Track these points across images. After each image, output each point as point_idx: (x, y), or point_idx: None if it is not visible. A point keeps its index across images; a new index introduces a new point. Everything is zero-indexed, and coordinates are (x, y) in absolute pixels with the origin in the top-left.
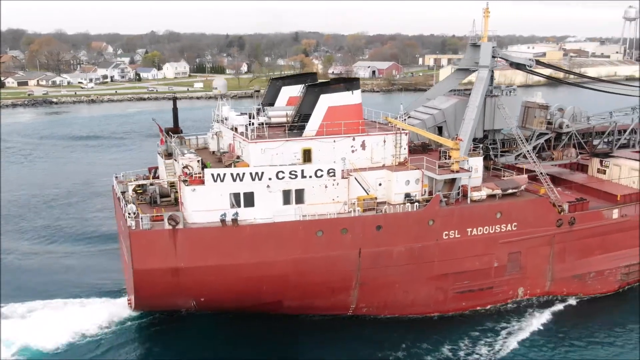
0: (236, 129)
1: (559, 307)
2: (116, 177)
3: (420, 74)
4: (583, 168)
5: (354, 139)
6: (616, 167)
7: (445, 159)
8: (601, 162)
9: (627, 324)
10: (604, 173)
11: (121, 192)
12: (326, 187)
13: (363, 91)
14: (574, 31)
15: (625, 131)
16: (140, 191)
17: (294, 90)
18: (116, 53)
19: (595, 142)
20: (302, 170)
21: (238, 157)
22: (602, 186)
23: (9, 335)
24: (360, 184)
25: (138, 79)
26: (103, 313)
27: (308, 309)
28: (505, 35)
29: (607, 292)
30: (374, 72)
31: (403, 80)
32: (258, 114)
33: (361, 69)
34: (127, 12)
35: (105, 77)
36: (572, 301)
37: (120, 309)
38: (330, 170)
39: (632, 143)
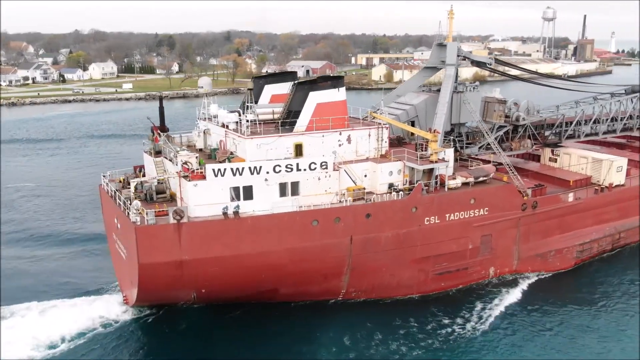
0: (227, 125)
1: (526, 283)
2: (104, 176)
3: (354, 73)
4: (534, 158)
5: (340, 134)
6: (566, 156)
7: (422, 150)
8: (552, 151)
9: (584, 295)
10: (555, 161)
11: (115, 190)
12: (319, 179)
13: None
14: (497, 30)
15: (571, 123)
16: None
17: (276, 89)
18: (37, 53)
19: (547, 133)
20: (297, 164)
21: (232, 153)
22: (555, 173)
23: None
24: (349, 176)
25: (62, 80)
26: (95, 312)
27: (302, 295)
28: (434, 35)
29: (565, 268)
30: (308, 71)
31: None
32: (245, 111)
33: (295, 68)
34: (49, 10)
35: (26, 78)
36: (536, 277)
37: (111, 306)
38: (323, 163)
39: (577, 134)
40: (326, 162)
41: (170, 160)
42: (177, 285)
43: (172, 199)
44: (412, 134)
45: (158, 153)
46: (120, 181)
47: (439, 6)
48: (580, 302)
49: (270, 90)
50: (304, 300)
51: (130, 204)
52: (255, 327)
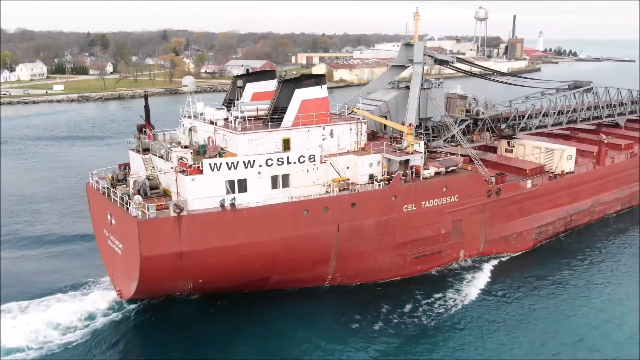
0: (216, 122)
1: (492, 263)
2: (92, 175)
3: (294, 72)
4: (491, 149)
5: (324, 129)
6: (521, 147)
7: (396, 143)
8: (508, 143)
9: (543, 272)
10: (511, 152)
11: (107, 188)
12: (308, 171)
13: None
14: (433, 30)
15: (523, 116)
16: (123, 185)
17: (257, 87)
18: None
19: (502, 126)
20: (288, 157)
21: (222, 149)
22: (512, 163)
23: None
24: (334, 168)
25: None
26: (84, 308)
27: (291, 282)
28: (372, 34)
29: (525, 249)
30: (247, 70)
31: None
32: (231, 108)
33: (235, 68)
34: None
35: None
36: (501, 258)
37: (101, 302)
38: (311, 156)
39: (529, 126)
40: (314, 155)
41: (161, 157)
42: (176, 276)
43: (165, 194)
44: (385, 128)
45: (146, 150)
46: (110, 179)
47: (377, 6)
48: (540, 278)
49: (251, 88)
50: (293, 287)
51: (130, 200)
52: (246, 315)
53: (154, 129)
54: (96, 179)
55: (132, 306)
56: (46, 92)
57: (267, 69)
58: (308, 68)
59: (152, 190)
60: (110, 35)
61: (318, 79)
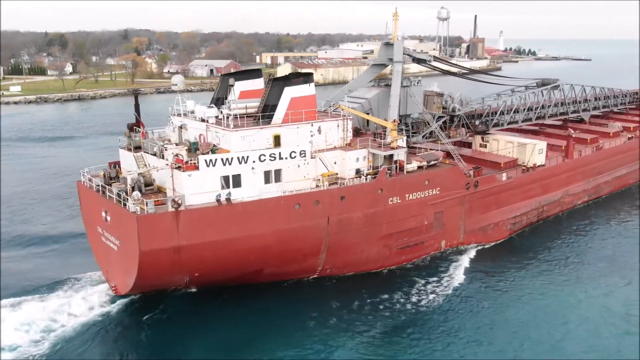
0: (207, 120)
1: (472, 253)
2: (83, 173)
3: None
4: (465, 145)
5: (312, 125)
6: (495, 142)
7: (380, 139)
8: (482, 138)
9: (518, 260)
10: (485, 147)
11: (102, 185)
12: (299, 166)
13: (202, 90)
14: (398, 30)
15: (496, 113)
16: (114, 181)
17: (244, 85)
18: None
19: (477, 122)
20: (280, 153)
21: (215, 146)
22: (486, 157)
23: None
24: (323, 163)
25: None
26: (79, 304)
27: (283, 275)
28: (336, 34)
29: (501, 239)
30: (212, 70)
31: None
32: (221, 106)
33: (198, 68)
34: None
35: None
36: (479, 248)
37: (94, 298)
38: (302, 152)
39: (501, 122)
40: (305, 151)
41: (154, 154)
42: (174, 270)
43: (159, 190)
44: (368, 124)
45: (137, 148)
46: (102, 176)
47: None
48: (517, 265)
49: (239, 87)
50: (284, 279)
51: (127, 196)
52: (239, 306)
53: (144, 127)
54: (89, 176)
55: (126, 301)
56: (2, 93)
57: (254, 68)
58: (273, 68)
59: (147, 187)
60: (69, 34)
61: (306, 77)
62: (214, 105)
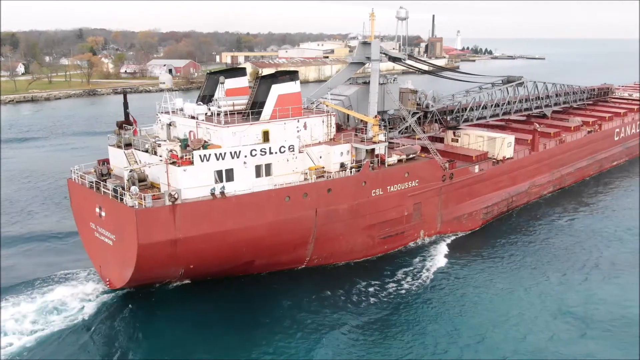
0: (197, 117)
1: (448, 241)
2: (74, 171)
3: None
4: (437, 140)
5: (298, 121)
6: (466, 136)
7: (361, 134)
8: (454, 133)
9: (490, 247)
10: (457, 141)
11: (96, 181)
12: (288, 160)
13: (161, 91)
14: (356, 29)
15: (466, 109)
16: (106, 178)
17: (230, 83)
18: None
19: (448, 118)
20: (270, 148)
21: (206, 141)
22: (458, 150)
23: None
24: (310, 157)
25: None
26: (71, 298)
27: (273, 265)
28: (297, 33)
29: (474, 228)
30: (170, 70)
31: (202, 78)
32: (207, 104)
33: (157, 68)
34: None
35: None
36: (455, 237)
37: (85, 293)
38: (291, 147)
39: (470, 118)
40: (293, 146)
41: (146, 151)
42: (170, 263)
43: (152, 186)
44: (348, 120)
45: (127, 145)
46: (95, 173)
47: (301, 6)
48: (489, 252)
49: (224, 84)
50: (274, 270)
51: (124, 191)
52: (233, 296)
53: (132, 125)
54: (81, 173)
55: (120, 294)
56: None
57: (237, 68)
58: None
59: (140, 183)
60: (20, 34)
61: (292, 75)
62: (201, 103)
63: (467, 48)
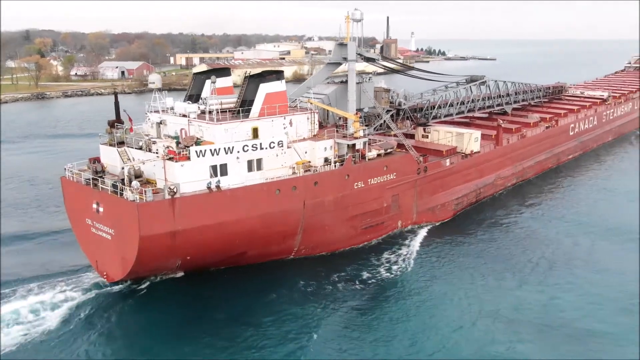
0: (189, 115)
1: (424, 230)
2: (67, 169)
3: (174, 74)
4: (408, 136)
5: (285, 118)
6: (435, 132)
7: (342, 130)
8: (424, 129)
9: (464, 232)
10: (427, 137)
11: (94, 178)
12: (277, 155)
13: (112, 93)
14: (314, 30)
15: (434, 107)
16: (100, 175)
17: (216, 83)
18: None
19: (418, 115)
20: (260, 144)
21: (199, 138)
22: (429, 146)
23: None
24: (297, 152)
25: None
26: (68, 293)
27: (263, 256)
28: (253, 34)
29: (447, 218)
30: (123, 72)
31: None
32: (195, 102)
33: (108, 70)
34: None
35: None
36: (430, 227)
37: (80, 288)
38: (280, 142)
39: (438, 115)
40: (282, 142)
41: (140, 148)
42: (169, 254)
43: (148, 182)
44: (328, 117)
45: (120, 143)
46: (90, 170)
47: (256, 6)
48: (461, 240)
49: (216, 83)
50: (264, 260)
51: (125, 187)
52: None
53: (123, 123)
54: (76, 171)
55: (114, 290)
56: None
57: (222, 68)
58: (188, 69)
59: (136, 179)
60: None
61: (278, 75)
62: (190, 102)
63: (421, 49)
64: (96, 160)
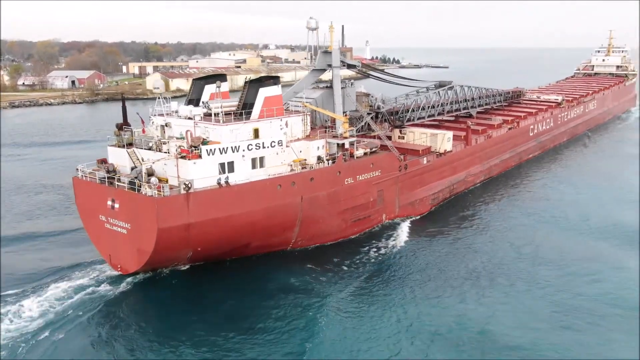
0: (194, 117)
1: (407, 223)
2: (79, 169)
3: (126, 83)
4: (386, 137)
5: (281, 120)
6: (411, 133)
7: (330, 131)
8: (400, 131)
9: (439, 226)
10: (403, 138)
11: (109, 177)
12: (277, 154)
13: (64, 103)
14: (268, 39)
15: (408, 110)
16: (113, 175)
17: (212, 88)
18: None
19: (393, 118)
20: (263, 143)
21: (205, 139)
22: (406, 146)
23: None
24: (294, 151)
25: None
26: (81, 286)
27: (264, 247)
28: (207, 43)
29: (425, 212)
30: (73, 82)
31: (108, 90)
32: (197, 106)
33: (58, 79)
34: None
35: None
36: (410, 220)
37: (91, 282)
38: (280, 142)
39: (412, 118)
40: (282, 141)
41: (149, 148)
42: (183, 245)
43: (159, 179)
44: (316, 119)
45: (129, 145)
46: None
47: (214, 16)
48: (440, 231)
49: (209, 89)
50: (265, 251)
51: (144, 183)
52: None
53: (129, 126)
54: (89, 170)
55: (129, 279)
56: None
57: (216, 75)
58: (142, 78)
59: (149, 177)
60: None
61: (275, 80)
62: (191, 105)
63: (376, 57)
64: (103, 161)
